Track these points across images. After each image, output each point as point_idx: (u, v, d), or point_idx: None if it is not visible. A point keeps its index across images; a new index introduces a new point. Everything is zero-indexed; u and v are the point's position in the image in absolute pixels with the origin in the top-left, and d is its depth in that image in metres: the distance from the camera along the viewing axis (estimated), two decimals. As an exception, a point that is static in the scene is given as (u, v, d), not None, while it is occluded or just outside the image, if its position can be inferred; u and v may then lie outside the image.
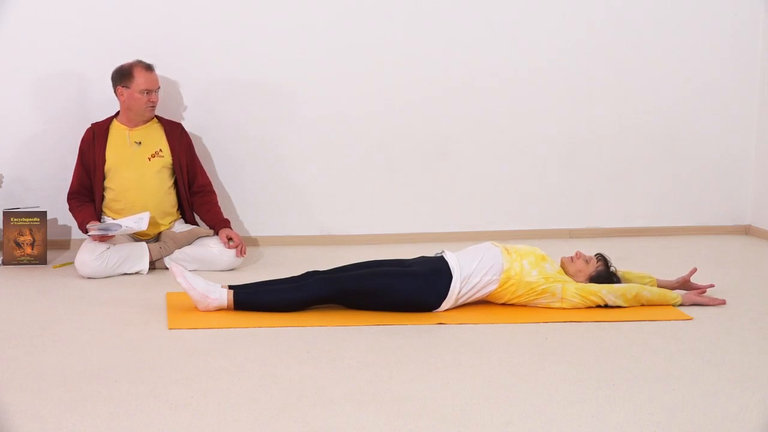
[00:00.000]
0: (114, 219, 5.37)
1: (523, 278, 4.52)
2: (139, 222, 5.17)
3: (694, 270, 4.82)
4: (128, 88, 5.32)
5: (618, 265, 4.92)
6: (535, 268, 4.54)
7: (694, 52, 6.26)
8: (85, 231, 5.27)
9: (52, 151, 5.71)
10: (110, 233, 5.14)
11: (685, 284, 4.79)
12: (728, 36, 6.28)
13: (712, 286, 4.80)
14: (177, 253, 5.32)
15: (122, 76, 5.33)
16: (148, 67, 5.34)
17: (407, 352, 3.98)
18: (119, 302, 4.69)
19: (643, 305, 4.61)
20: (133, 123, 5.43)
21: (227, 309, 4.49)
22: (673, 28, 6.22)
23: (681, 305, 4.64)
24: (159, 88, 5.38)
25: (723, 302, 4.69)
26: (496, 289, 4.54)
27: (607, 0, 6.13)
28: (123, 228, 5.15)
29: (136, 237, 5.39)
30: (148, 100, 5.33)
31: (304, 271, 4.73)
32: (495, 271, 4.52)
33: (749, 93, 6.36)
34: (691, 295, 4.68)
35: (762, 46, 6.31)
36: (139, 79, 5.30)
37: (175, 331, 4.23)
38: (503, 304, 4.61)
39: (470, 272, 4.50)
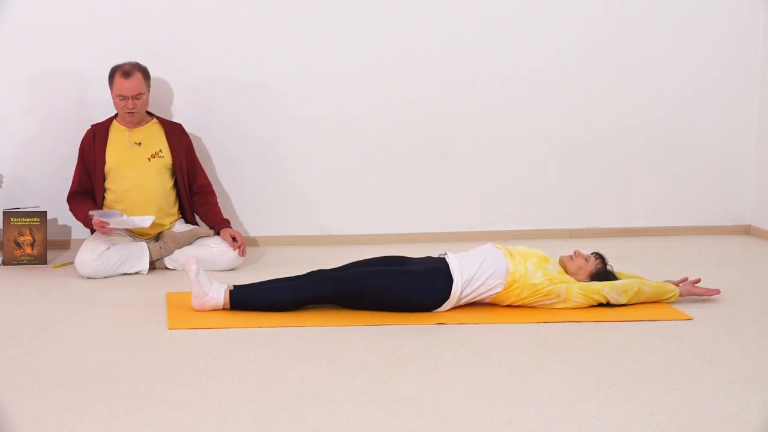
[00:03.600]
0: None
1: (528, 280, 4.53)
2: (143, 221, 5.18)
3: (685, 279, 4.82)
4: (111, 90, 5.33)
5: (617, 265, 4.92)
6: (539, 269, 4.55)
7: (694, 52, 6.26)
8: (90, 225, 5.26)
9: (52, 151, 5.71)
10: (112, 221, 5.12)
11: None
12: (728, 36, 6.28)
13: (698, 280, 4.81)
14: (177, 253, 5.32)
15: (109, 78, 5.34)
16: (127, 74, 5.26)
17: (407, 352, 3.98)
18: (119, 302, 4.69)
19: (643, 301, 4.62)
20: (132, 124, 5.42)
21: (223, 309, 4.49)
22: (673, 28, 6.22)
23: (678, 298, 4.67)
24: (139, 95, 5.28)
25: (717, 292, 4.74)
26: (501, 292, 4.54)
27: (607, 0, 6.13)
28: (125, 219, 5.13)
29: (136, 237, 5.39)
30: (124, 105, 5.30)
31: (303, 271, 4.73)
32: (498, 274, 4.52)
33: (749, 93, 6.36)
34: (687, 285, 4.73)
35: (762, 46, 6.31)
36: (116, 84, 5.28)
37: (175, 331, 4.23)
38: (506, 306, 4.61)
39: (471, 275, 4.50)
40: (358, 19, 5.92)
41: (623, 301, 4.59)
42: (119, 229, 5.34)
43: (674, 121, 6.32)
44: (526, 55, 6.10)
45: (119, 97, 5.29)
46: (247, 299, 4.49)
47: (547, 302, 4.57)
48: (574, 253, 4.74)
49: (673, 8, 6.20)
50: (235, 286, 4.56)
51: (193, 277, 4.46)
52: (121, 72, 5.27)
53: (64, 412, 3.32)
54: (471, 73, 6.07)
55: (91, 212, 5.20)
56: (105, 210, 5.30)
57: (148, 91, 5.38)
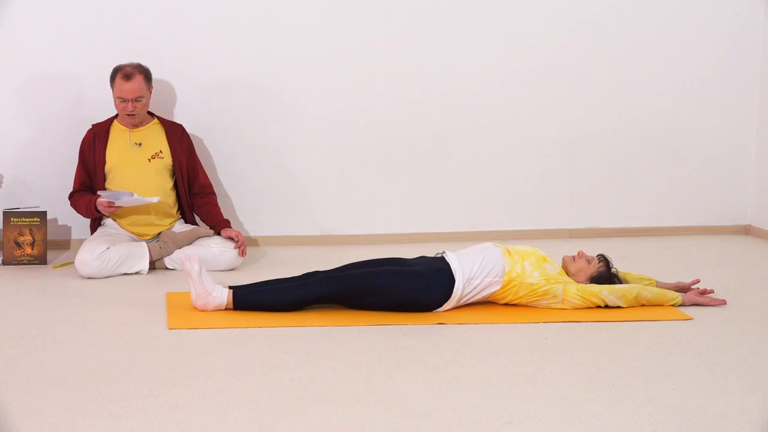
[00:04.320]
0: (116, 222, 5.38)
1: (525, 280, 4.52)
2: (150, 200, 5.20)
3: (697, 281, 4.80)
4: (112, 90, 5.34)
5: (618, 266, 4.92)
6: (536, 269, 4.55)
7: (694, 52, 6.26)
8: (93, 211, 5.26)
9: (52, 151, 5.71)
10: (120, 201, 5.14)
11: (683, 289, 4.78)
12: (728, 36, 6.28)
13: (711, 291, 4.77)
14: (177, 253, 5.32)
15: (110, 78, 5.34)
16: (128, 76, 5.25)
17: (407, 352, 3.98)
18: (119, 302, 4.69)
19: (643, 305, 4.61)
20: (131, 125, 5.42)
21: (226, 308, 4.49)
22: (673, 28, 6.22)
23: (681, 305, 4.64)
24: (139, 98, 5.28)
25: (723, 302, 4.69)
26: (498, 290, 4.54)
27: (607, 0, 6.13)
28: (134, 199, 5.14)
29: (136, 237, 5.39)
30: (124, 107, 5.31)
31: (304, 272, 4.73)
32: (496, 273, 4.52)
33: (749, 93, 6.36)
34: (692, 295, 4.68)
35: (762, 46, 6.31)
36: (117, 86, 5.28)
37: (175, 331, 4.23)
38: (505, 305, 4.61)
39: (472, 274, 4.50)
40: (359, 19, 5.92)
41: (622, 305, 4.58)
42: (120, 231, 5.36)
43: (674, 121, 6.32)
44: (526, 55, 6.10)
45: (119, 99, 5.29)
46: (250, 299, 4.49)
47: (545, 302, 4.57)
48: (578, 253, 4.73)
49: (673, 8, 6.20)
50: (235, 287, 4.56)
51: (196, 277, 4.45)
52: (122, 74, 5.27)
53: (64, 412, 3.32)
54: (471, 73, 6.07)
55: (100, 191, 5.21)
56: (114, 190, 5.29)
57: (150, 92, 5.38)
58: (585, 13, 6.12)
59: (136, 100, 5.29)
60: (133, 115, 5.32)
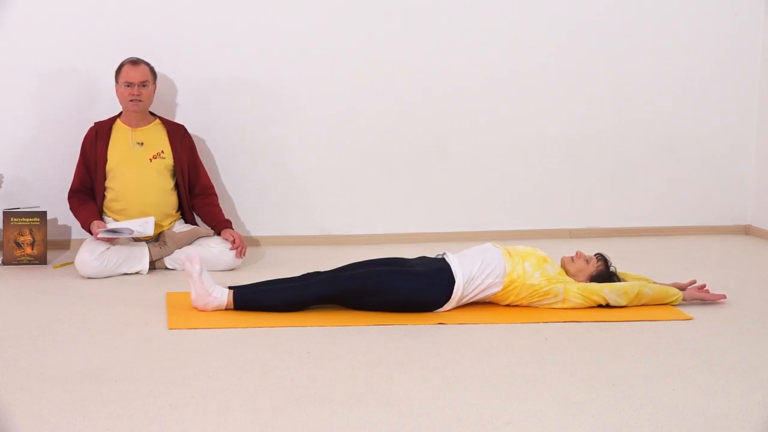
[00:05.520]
0: (116, 220, 5.38)
1: (526, 281, 4.52)
2: (145, 226, 5.18)
3: (693, 282, 4.80)
4: (117, 83, 5.36)
5: (618, 266, 4.91)
6: (537, 270, 4.54)
7: (694, 52, 6.26)
8: (89, 230, 5.27)
9: (52, 151, 5.71)
10: (116, 236, 5.14)
11: (681, 289, 4.77)
12: (728, 36, 6.28)
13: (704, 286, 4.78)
14: (177, 253, 5.32)
15: (116, 72, 5.38)
16: (135, 62, 5.35)
17: (407, 352, 3.98)
18: (119, 302, 4.69)
19: (644, 304, 4.61)
20: (134, 123, 5.43)
21: (226, 308, 4.49)
22: (673, 28, 6.22)
23: (682, 302, 4.64)
24: (144, 83, 5.33)
25: (723, 297, 4.70)
26: (500, 292, 4.54)
27: (607, 0, 6.13)
28: (131, 232, 5.14)
29: (136, 237, 5.39)
30: (130, 93, 5.32)
31: (304, 272, 4.73)
32: (497, 273, 4.52)
33: (749, 93, 6.36)
34: (693, 290, 4.69)
35: (762, 46, 6.31)
36: (124, 72, 5.33)
37: (175, 331, 4.23)
38: (506, 305, 4.61)
39: (472, 274, 4.50)
40: (359, 19, 5.92)
41: (623, 303, 4.58)
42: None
43: (674, 121, 6.33)
44: (526, 55, 6.10)
45: (126, 84, 5.31)
46: (250, 299, 4.49)
47: (546, 302, 4.57)
48: (576, 254, 4.73)
49: (673, 8, 6.20)
50: (235, 287, 4.56)
51: (197, 277, 4.45)
52: (129, 61, 5.36)
53: (64, 412, 3.32)
54: (470, 73, 6.07)
55: (97, 229, 5.18)
56: (108, 227, 5.26)
57: (154, 86, 5.40)
58: (585, 13, 6.12)
59: (142, 84, 5.32)
60: (139, 101, 5.34)
